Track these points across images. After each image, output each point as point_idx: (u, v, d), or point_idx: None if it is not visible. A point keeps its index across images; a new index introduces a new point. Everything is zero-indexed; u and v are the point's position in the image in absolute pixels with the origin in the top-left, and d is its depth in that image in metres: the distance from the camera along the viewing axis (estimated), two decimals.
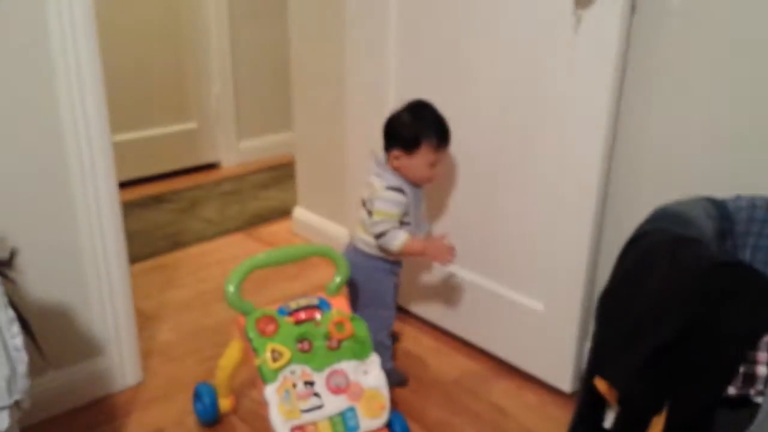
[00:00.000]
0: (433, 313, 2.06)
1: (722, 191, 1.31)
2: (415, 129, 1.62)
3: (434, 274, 2.01)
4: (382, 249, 1.67)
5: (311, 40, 2.40)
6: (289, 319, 1.46)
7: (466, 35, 1.74)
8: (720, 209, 1.25)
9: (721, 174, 1.42)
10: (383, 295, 1.75)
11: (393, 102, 1.86)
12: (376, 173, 1.66)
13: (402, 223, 1.65)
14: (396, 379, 1.76)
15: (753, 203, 1.26)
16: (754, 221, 1.26)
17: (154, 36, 3.12)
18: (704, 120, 1.43)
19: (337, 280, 1.57)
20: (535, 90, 1.63)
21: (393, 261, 1.73)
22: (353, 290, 1.75)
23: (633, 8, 1.44)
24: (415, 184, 1.67)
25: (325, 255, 1.59)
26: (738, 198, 1.28)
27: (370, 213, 1.66)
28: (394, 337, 1.97)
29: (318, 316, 1.49)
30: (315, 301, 1.52)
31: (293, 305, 1.49)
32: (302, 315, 1.48)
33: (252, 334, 1.42)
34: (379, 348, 1.69)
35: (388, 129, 1.67)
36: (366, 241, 1.70)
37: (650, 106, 1.51)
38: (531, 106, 1.65)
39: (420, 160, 1.62)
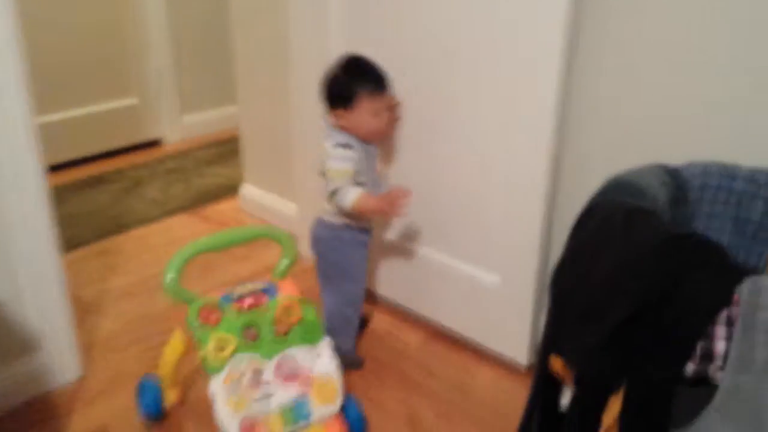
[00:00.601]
0: (387, 289, 2.01)
1: (676, 158, 1.27)
2: (348, 82, 1.57)
3: (388, 248, 1.95)
4: (339, 209, 1.60)
5: (253, 8, 2.29)
6: (234, 307, 1.39)
7: (409, 6, 1.67)
8: (673, 177, 1.22)
9: (674, 140, 1.38)
10: (348, 267, 1.70)
11: None
12: (325, 138, 1.61)
13: (357, 183, 1.59)
14: (351, 361, 1.71)
15: (706, 170, 1.22)
16: (708, 188, 1.23)
17: (87, 8, 2.94)
18: (656, 83, 1.39)
19: (284, 262, 1.50)
20: (483, 54, 1.56)
21: (359, 229, 1.67)
22: (318, 264, 1.71)
23: None
24: (368, 141, 1.61)
25: (270, 236, 1.52)
26: (691, 165, 1.24)
27: (324, 176, 1.60)
28: (363, 320, 1.91)
29: (265, 301, 1.43)
30: (261, 287, 1.45)
31: (238, 292, 1.42)
32: (248, 302, 1.41)
33: (194, 324, 1.35)
34: (343, 325, 1.66)
35: (324, 91, 1.62)
36: (328, 211, 1.65)
37: (601, 70, 1.46)
38: (478, 71, 1.59)
39: (362, 112, 1.56)
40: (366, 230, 1.70)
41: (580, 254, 1.14)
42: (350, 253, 1.69)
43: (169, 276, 1.37)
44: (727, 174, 1.22)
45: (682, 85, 1.36)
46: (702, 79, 1.33)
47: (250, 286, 1.44)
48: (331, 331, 1.71)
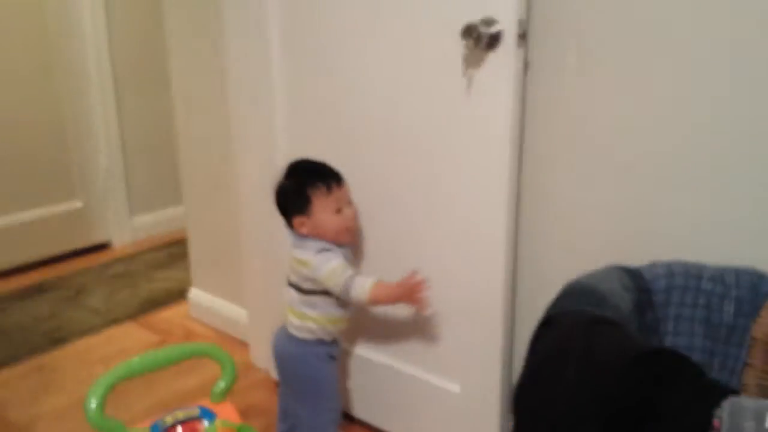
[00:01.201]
0: (346, 404, 1.87)
1: (635, 256, 1.20)
2: (299, 188, 1.49)
3: (346, 360, 1.82)
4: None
5: (196, 108, 2.23)
6: None
7: (355, 98, 1.61)
8: (636, 279, 1.14)
9: (632, 237, 1.31)
10: (323, 384, 1.57)
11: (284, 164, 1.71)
12: (297, 248, 1.51)
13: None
14: None
15: (670, 270, 1.15)
16: (674, 290, 1.15)
17: (27, 106, 2.84)
18: (608, 181, 1.33)
19: (222, 384, 1.37)
20: (433, 158, 1.50)
21: (330, 343, 1.56)
22: (288, 382, 1.59)
23: (526, 67, 1.35)
24: (339, 243, 1.51)
25: (207, 355, 1.40)
26: (654, 265, 1.17)
27: (300, 290, 1.50)
28: None
29: (200, 429, 1.29)
30: (196, 412, 1.31)
31: (170, 419, 1.29)
32: (180, 430, 1.27)
33: None
34: None
35: (279, 204, 1.53)
36: (297, 325, 1.53)
37: (553, 170, 1.40)
38: (431, 175, 1.52)
39: (322, 214, 1.47)
40: (336, 343, 1.59)
41: (542, 370, 1.04)
42: (324, 369, 1.57)
43: (91, 405, 1.23)
44: (693, 274, 1.15)
45: (634, 183, 1.30)
46: (656, 175, 1.27)
47: (183, 413, 1.30)
48: None
